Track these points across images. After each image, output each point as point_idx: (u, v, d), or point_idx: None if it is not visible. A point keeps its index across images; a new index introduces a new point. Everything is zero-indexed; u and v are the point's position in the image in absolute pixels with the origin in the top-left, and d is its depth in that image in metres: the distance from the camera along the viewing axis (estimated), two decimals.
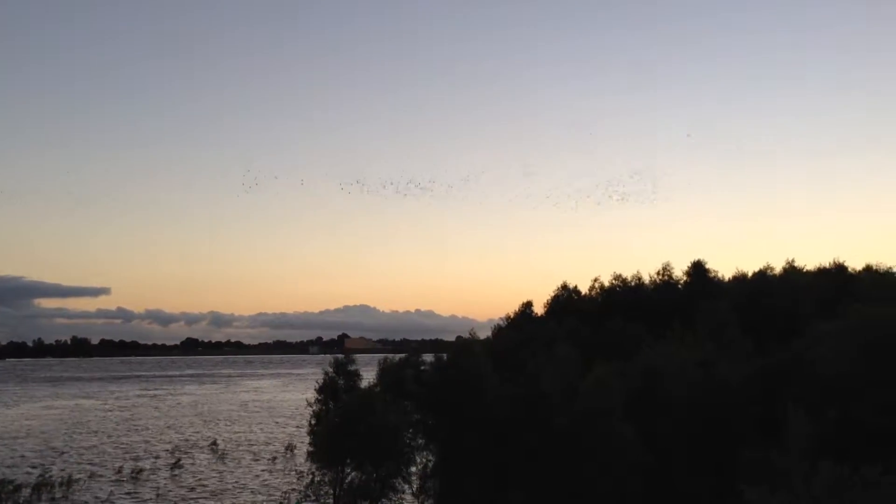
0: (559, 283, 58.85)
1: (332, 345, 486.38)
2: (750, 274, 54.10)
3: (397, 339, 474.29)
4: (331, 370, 38.93)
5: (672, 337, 39.42)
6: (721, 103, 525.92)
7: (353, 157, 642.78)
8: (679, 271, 55.28)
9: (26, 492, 44.93)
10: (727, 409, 32.82)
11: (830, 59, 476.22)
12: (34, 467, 55.87)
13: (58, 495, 45.80)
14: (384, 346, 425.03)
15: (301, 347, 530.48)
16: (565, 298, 56.80)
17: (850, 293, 42.96)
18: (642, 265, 58.52)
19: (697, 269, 54.23)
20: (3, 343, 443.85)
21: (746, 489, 23.21)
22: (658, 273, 55.70)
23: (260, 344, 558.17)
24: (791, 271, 52.89)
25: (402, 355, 42.48)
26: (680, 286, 54.39)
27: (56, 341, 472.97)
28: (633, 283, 56.33)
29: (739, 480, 25.57)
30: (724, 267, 53.59)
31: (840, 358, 31.01)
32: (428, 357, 42.14)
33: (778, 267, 53.80)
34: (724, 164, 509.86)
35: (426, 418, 38.66)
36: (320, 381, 38.79)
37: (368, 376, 41.00)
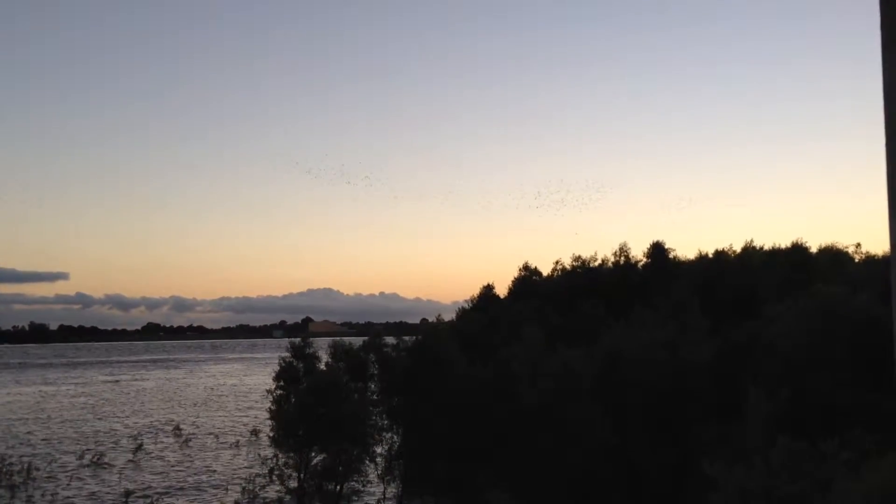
0: (521, 266, 59.15)
1: (296, 328, 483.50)
2: (709, 254, 54.86)
3: (362, 322, 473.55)
4: (289, 355, 38.72)
5: (633, 318, 39.92)
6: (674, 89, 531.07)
7: (316, 142, 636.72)
8: (638, 252, 55.74)
9: None
10: (688, 389, 33.43)
11: (784, 38, 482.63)
12: None
13: (17, 482, 45.09)
14: (349, 329, 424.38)
15: (265, 331, 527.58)
16: (528, 280, 57.15)
17: (808, 273, 43.91)
18: (604, 249, 59.42)
19: (657, 249, 54.80)
20: None
21: (706, 464, 23.70)
22: (615, 254, 56.07)
23: (223, 328, 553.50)
24: (750, 252, 53.74)
25: (364, 338, 42.45)
26: (640, 267, 54.94)
27: (13, 327, 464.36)
28: (593, 265, 56.76)
29: (699, 456, 26.11)
30: (684, 249, 54.37)
31: (796, 337, 31.75)
32: (390, 339, 42.16)
33: (737, 248, 54.63)
34: (679, 148, 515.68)
35: (391, 401, 38.78)
36: (278, 368, 38.56)
37: (327, 360, 40.95)
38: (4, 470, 47.02)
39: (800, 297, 34.49)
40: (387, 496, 40.02)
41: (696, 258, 55.50)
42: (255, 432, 63.78)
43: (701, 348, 34.88)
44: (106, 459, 53.32)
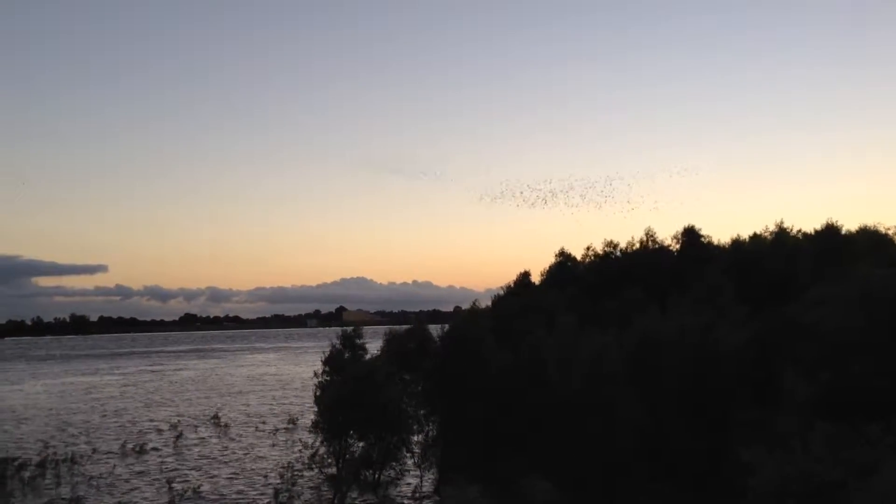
0: (556, 252, 58.81)
1: (329, 318, 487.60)
2: (743, 238, 54.03)
3: (395, 310, 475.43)
4: (338, 343, 39.15)
5: (668, 303, 39.65)
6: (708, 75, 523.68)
7: (352, 134, 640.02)
8: (667, 237, 55.07)
9: (31, 469, 45.24)
10: (724, 374, 33.17)
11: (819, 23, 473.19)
12: (38, 444, 56.30)
13: (62, 471, 46.19)
14: (382, 317, 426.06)
15: (299, 321, 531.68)
16: (563, 266, 56.86)
17: (845, 255, 43.16)
18: (637, 235, 59.10)
19: (690, 234, 54.17)
20: (2, 322, 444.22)
21: (742, 450, 23.54)
22: (641, 241, 55.43)
23: (258, 318, 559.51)
24: (784, 235, 52.77)
25: (407, 327, 42.65)
26: (673, 252, 54.34)
27: (55, 319, 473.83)
28: (626, 250, 56.25)
29: (735, 442, 25.95)
30: (717, 234, 53.70)
31: (837, 320, 31.26)
32: (432, 328, 42.37)
33: (771, 231, 53.66)
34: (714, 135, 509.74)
35: (429, 389, 39.00)
36: (327, 353, 39.06)
37: (370, 348, 41.28)
38: (50, 457, 48.18)
39: (839, 280, 33.95)
40: (423, 483, 40.32)
41: (730, 242, 54.66)
42: (292, 420, 64.53)
43: (737, 332, 34.54)
44: (148, 447, 54.36)
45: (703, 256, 49.71)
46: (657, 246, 54.49)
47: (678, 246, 53.89)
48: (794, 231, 53.29)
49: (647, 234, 54.96)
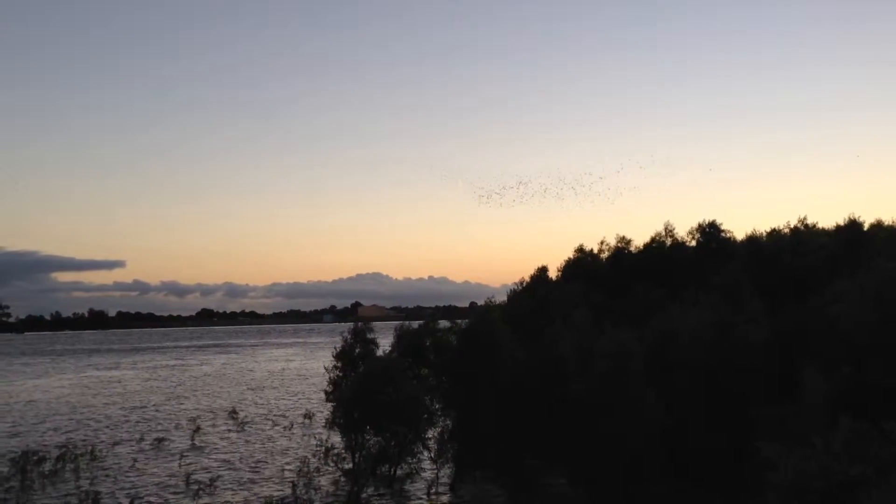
0: (574, 247, 58.48)
1: (345, 313, 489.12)
2: (759, 233, 53.51)
3: (410, 306, 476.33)
4: (348, 337, 39.23)
5: (686, 298, 39.35)
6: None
7: (368, 132, 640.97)
8: (683, 232, 54.60)
9: (51, 462, 45.64)
10: (743, 370, 32.88)
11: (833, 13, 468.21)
12: (59, 438, 56.83)
13: (81, 465, 46.56)
14: (397, 313, 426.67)
15: (315, 316, 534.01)
16: (580, 262, 56.55)
17: (865, 249, 42.64)
18: (655, 230, 58.47)
19: (709, 228, 53.68)
20: (22, 317, 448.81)
21: (763, 446, 23.27)
22: (659, 235, 54.98)
23: (274, 313, 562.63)
24: (803, 230, 52.21)
25: (420, 322, 42.62)
26: (690, 246, 53.89)
27: (73, 314, 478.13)
28: (644, 246, 55.85)
29: (755, 438, 25.69)
30: (734, 228, 53.12)
31: (859, 315, 30.87)
32: (444, 323, 42.36)
33: (790, 226, 53.10)
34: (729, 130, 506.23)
35: (444, 385, 38.96)
36: (338, 348, 39.13)
37: (383, 343, 41.32)
38: (69, 451, 48.56)
39: (860, 275, 33.53)
40: (439, 478, 40.32)
41: (747, 237, 54.13)
42: (308, 415, 64.73)
43: (756, 328, 34.23)
44: (166, 441, 54.71)
45: (722, 251, 49.30)
46: (675, 241, 54.07)
47: (696, 241, 53.47)
48: (814, 225, 52.72)
49: (665, 229, 54.57)
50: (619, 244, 55.87)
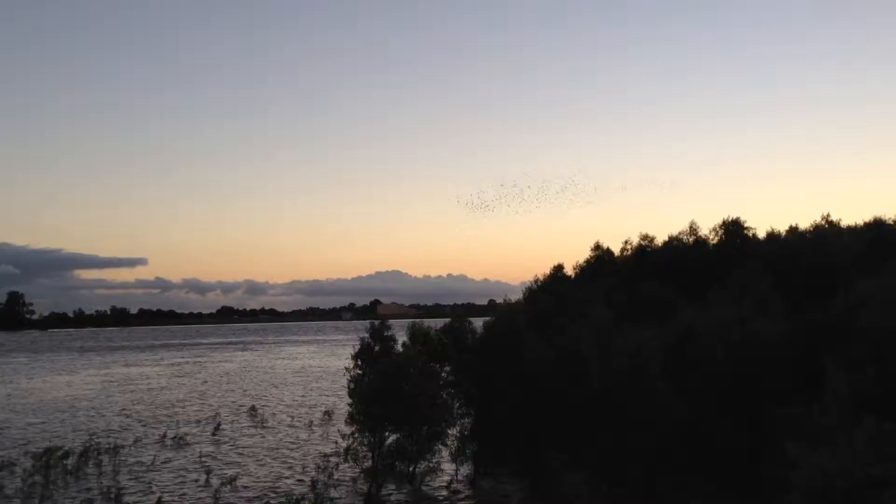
0: (590, 245, 58.31)
1: (364, 311, 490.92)
2: (778, 231, 53.11)
3: (430, 304, 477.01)
4: (367, 336, 39.34)
5: (708, 297, 39.10)
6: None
7: (386, 128, 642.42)
8: (707, 230, 54.33)
9: (74, 458, 46.11)
10: (765, 369, 32.62)
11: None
12: (82, 434, 57.40)
13: (104, 461, 46.99)
14: (417, 311, 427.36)
15: (334, 314, 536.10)
16: (599, 260, 56.44)
17: (891, 248, 42.17)
18: (675, 228, 57.81)
19: (732, 226, 53.36)
20: (46, 314, 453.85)
21: (788, 445, 23.09)
22: (684, 233, 54.80)
23: (294, 311, 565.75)
24: (826, 228, 51.78)
25: (445, 320, 42.43)
26: (712, 245, 53.62)
27: (96, 311, 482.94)
28: (665, 244, 55.65)
29: (778, 437, 25.48)
30: (756, 226, 52.68)
31: (884, 315, 30.53)
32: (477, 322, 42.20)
33: (815, 223, 52.66)
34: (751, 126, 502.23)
35: (464, 382, 38.95)
36: (357, 347, 39.23)
37: (402, 341, 41.31)
38: (92, 447, 49.04)
39: (885, 274, 33.18)
40: (459, 476, 40.33)
41: (769, 235, 53.80)
42: (328, 413, 64.94)
43: (778, 327, 33.94)
44: (188, 438, 55.11)
45: (744, 249, 48.97)
46: (697, 238, 53.82)
47: (718, 239, 53.17)
48: (837, 223, 52.26)
49: (690, 227, 54.33)
50: (642, 241, 55.75)
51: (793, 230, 52.43)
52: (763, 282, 39.97)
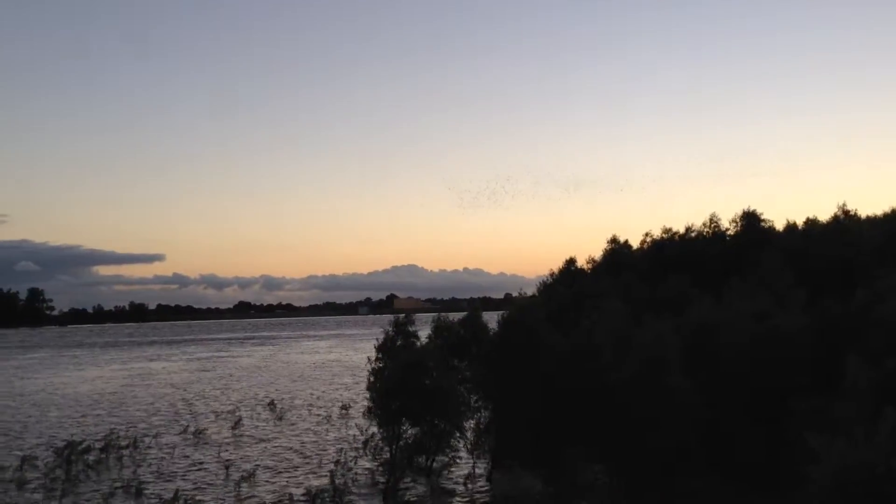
0: (609, 238, 58.09)
1: (381, 305, 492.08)
2: (793, 222, 52.68)
3: (446, 297, 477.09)
4: (391, 330, 39.47)
5: (725, 289, 38.91)
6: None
7: (401, 124, 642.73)
8: (726, 222, 53.95)
9: (95, 452, 46.56)
10: (784, 361, 32.45)
11: None
12: (102, 428, 57.97)
13: (125, 455, 47.44)
14: (433, 305, 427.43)
15: (351, 308, 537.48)
16: (616, 253, 56.20)
17: None
18: (694, 220, 57.47)
19: (749, 218, 52.99)
20: (65, 310, 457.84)
21: (809, 436, 22.98)
22: (705, 224, 54.49)
23: (310, 306, 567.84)
24: (846, 219, 51.22)
25: (462, 314, 42.50)
26: (729, 237, 53.27)
27: (115, 307, 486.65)
28: (683, 236, 55.32)
29: (799, 429, 25.38)
30: (774, 217, 52.46)
31: None
32: (490, 315, 42.22)
33: (830, 215, 52.11)
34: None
35: (482, 376, 38.97)
36: (380, 340, 39.37)
37: (421, 335, 41.38)
38: (113, 441, 49.52)
39: None
40: (476, 470, 40.40)
41: (787, 227, 53.36)
42: (345, 407, 65.21)
43: (797, 319, 33.74)
44: (207, 432, 55.54)
45: (762, 241, 48.61)
46: (716, 230, 53.49)
47: (736, 231, 52.83)
48: (854, 213, 51.70)
49: (710, 219, 54.02)
50: (663, 234, 55.51)
51: (811, 222, 51.97)
52: (783, 274, 39.71)
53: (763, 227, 52.33)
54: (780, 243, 47.80)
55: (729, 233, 53.23)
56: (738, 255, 47.03)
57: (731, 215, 53.41)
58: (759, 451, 31.51)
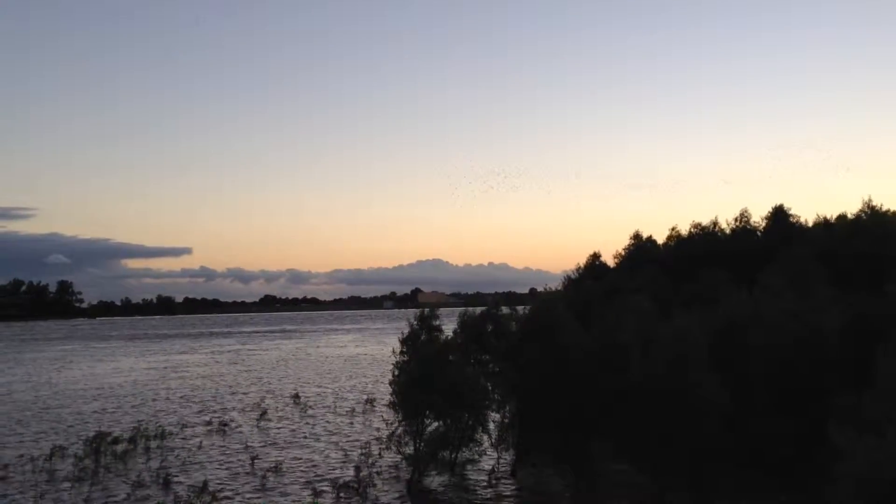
0: (632, 234, 57.79)
1: (405, 300, 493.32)
2: (822, 217, 51.94)
3: (470, 292, 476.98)
4: (415, 323, 39.50)
5: (755, 285, 38.42)
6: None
7: (429, 121, 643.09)
8: (758, 217, 53.42)
9: (123, 443, 47.14)
10: (814, 358, 31.99)
11: None
12: (130, 419, 58.69)
13: (152, 446, 47.94)
14: (457, 299, 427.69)
15: (375, 303, 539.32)
16: (641, 248, 55.85)
17: None
18: (721, 216, 56.85)
19: (778, 213, 52.40)
20: (94, 303, 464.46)
21: (837, 433, 22.65)
22: (736, 220, 53.99)
23: (336, 300, 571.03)
24: (875, 214, 50.34)
25: (483, 308, 42.55)
26: (759, 232, 52.72)
27: (143, 300, 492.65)
28: (711, 232, 54.79)
29: (826, 427, 25.00)
30: (803, 212, 51.91)
31: None
32: (504, 309, 42.15)
33: (858, 209, 51.24)
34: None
35: (505, 370, 38.87)
36: (405, 333, 39.44)
37: (446, 329, 41.36)
38: (140, 433, 50.08)
39: None
40: (500, 464, 40.32)
41: (816, 222, 52.69)
42: (370, 401, 65.38)
43: (829, 316, 33.23)
44: (232, 424, 55.98)
45: (791, 236, 48.04)
46: (745, 226, 52.95)
47: (765, 227, 52.27)
48: (880, 207, 50.79)
49: (741, 215, 53.48)
50: (692, 229, 55.09)
51: (840, 217, 51.23)
52: (812, 269, 39.14)
53: (792, 222, 51.71)
54: (810, 236, 47.19)
55: (759, 229, 52.66)
56: (767, 251, 46.46)
57: (762, 212, 52.93)
58: (790, 446, 31.13)
